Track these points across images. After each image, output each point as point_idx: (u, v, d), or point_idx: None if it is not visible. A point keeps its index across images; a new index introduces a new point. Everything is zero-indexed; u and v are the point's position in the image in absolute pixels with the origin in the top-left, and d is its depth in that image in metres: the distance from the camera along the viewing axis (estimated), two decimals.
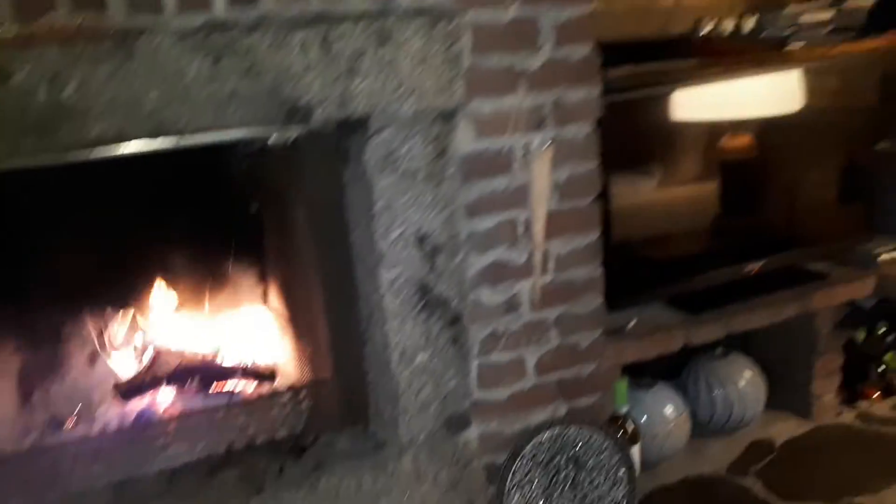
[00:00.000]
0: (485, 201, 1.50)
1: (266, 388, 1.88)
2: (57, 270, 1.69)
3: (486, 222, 1.52)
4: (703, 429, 2.09)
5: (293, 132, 1.39)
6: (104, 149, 1.21)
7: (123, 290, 1.83)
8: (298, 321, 1.85)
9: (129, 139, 1.17)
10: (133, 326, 1.87)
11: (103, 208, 1.65)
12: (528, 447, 1.65)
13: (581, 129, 1.55)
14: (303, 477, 1.50)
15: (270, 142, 1.40)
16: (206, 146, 1.31)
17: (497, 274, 1.56)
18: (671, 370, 2.17)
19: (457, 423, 1.58)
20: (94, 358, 1.83)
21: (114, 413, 1.78)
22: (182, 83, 1.16)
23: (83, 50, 1.10)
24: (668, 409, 2.00)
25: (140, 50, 1.13)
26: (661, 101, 1.85)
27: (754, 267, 2.05)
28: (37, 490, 1.48)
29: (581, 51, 1.50)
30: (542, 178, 1.45)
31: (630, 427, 1.83)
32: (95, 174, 1.44)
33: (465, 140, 1.44)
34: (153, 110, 1.15)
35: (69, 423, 1.76)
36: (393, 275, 1.44)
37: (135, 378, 1.82)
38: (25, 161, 1.17)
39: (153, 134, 1.17)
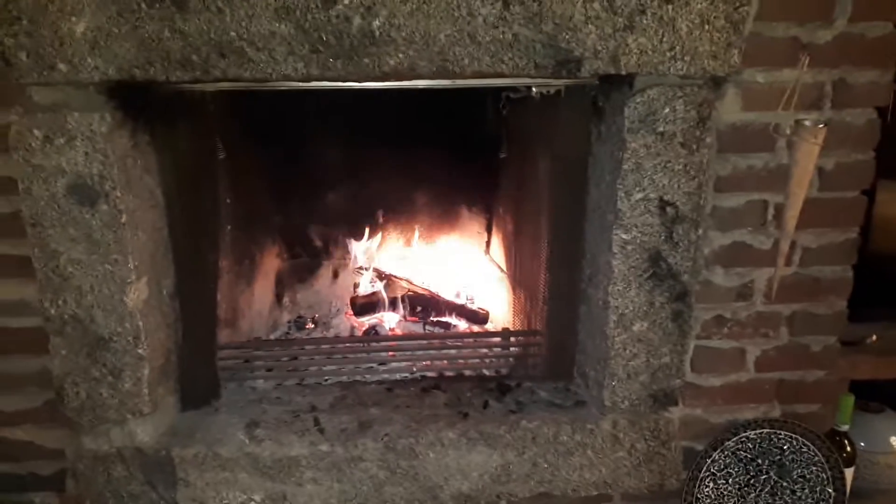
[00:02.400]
0: (738, 177, 1.45)
1: (479, 328, 1.98)
2: (319, 192, 1.91)
3: (735, 200, 1.47)
4: None
5: (557, 84, 1.43)
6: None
7: (369, 218, 2.02)
8: (519, 271, 1.92)
9: (418, 74, 1.27)
10: (373, 253, 2.07)
11: (365, 136, 1.82)
12: (733, 440, 1.59)
13: (861, 115, 1.42)
14: (504, 415, 1.58)
15: (534, 91, 1.45)
16: (472, 89, 1.40)
17: (736, 256, 1.50)
18: None
19: (663, 400, 1.56)
20: (336, 275, 2.06)
21: (347, 324, 2.00)
22: (472, 24, 1.24)
23: None
24: (895, 441, 1.81)
25: None
26: None
27: None
28: (279, 374, 1.71)
29: (879, 29, 1.37)
30: (807, 161, 1.35)
31: (848, 448, 1.68)
32: (362, 106, 1.60)
33: (730, 110, 1.39)
34: (442, 48, 1.25)
35: (309, 326, 2.01)
36: (627, 237, 1.43)
37: (368, 297, 2.01)
38: (326, 84, 1.33)
39: (438, 71, 1.27)
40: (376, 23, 1.22)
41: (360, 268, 2.05)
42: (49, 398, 1.48)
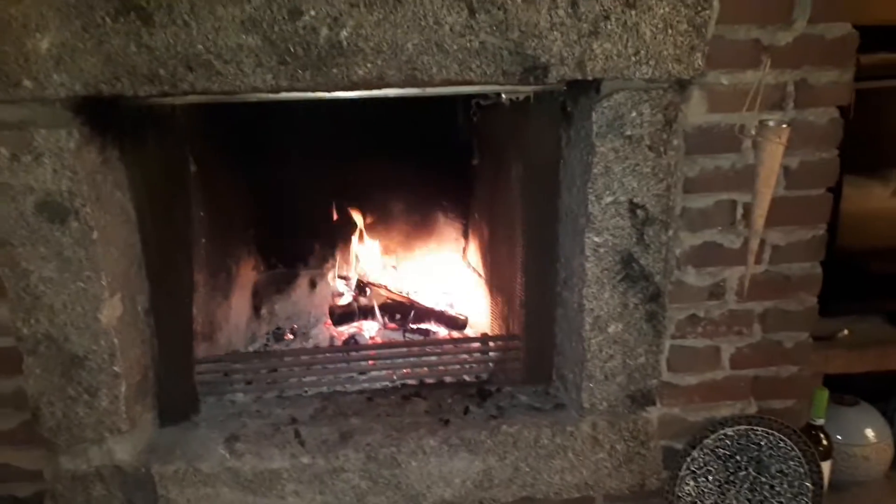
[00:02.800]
0: (706, 178, 1.47)
1: (458, 334, 1.99)
2: (294, 202, 1.91)
3: (704, 200, 1.49)
4: None
5: (525, 90, 1.44)
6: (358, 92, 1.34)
7: (345, 228, 2.03)
8: (496, 276, 1.93)
9: (387, 83, 1.28)
10: (350, 261, 2.07)
11: (339, 146, 1.83)
12: (711, 438, 1.61)
13: (824, 115, 1.45)
14: (485, 420, 1.59)
15: (504, 98, 1.46)
16: (440, 97, 1.41)
17: (706, 256, 1.53)
18: (877, 393, 1.98)
19: (640, 400, 1.57)
20: (314, 285, 2.06)
21: (326, 334, 2.00)
22: (438, 33, 1.25)
23: None
24: (869, 433, 1.83)
25: None
26: None
27: None
28: (259, 387, 1.70)
29: (838, 30, 1.40)
30: (772, 160, 1.38)
31: (824, 441, 1.71)
32: (335, 117, 1.62)
33: (695, 112, 1.41)
34: (410, 57, 1.26)
35: (288, 337, 2.01)
36: (599, 240, 1.45)
37: (347, 306, 2.01)
38: (295, 95, 1.33)
39: (407, 80, 1.27)
40: (344, 33, 1.23)
41: (338, 277, 2.05)
42: (25, 419, 1.46)
